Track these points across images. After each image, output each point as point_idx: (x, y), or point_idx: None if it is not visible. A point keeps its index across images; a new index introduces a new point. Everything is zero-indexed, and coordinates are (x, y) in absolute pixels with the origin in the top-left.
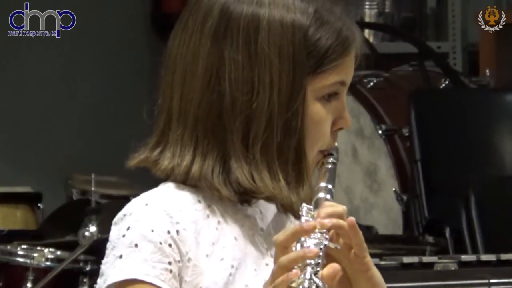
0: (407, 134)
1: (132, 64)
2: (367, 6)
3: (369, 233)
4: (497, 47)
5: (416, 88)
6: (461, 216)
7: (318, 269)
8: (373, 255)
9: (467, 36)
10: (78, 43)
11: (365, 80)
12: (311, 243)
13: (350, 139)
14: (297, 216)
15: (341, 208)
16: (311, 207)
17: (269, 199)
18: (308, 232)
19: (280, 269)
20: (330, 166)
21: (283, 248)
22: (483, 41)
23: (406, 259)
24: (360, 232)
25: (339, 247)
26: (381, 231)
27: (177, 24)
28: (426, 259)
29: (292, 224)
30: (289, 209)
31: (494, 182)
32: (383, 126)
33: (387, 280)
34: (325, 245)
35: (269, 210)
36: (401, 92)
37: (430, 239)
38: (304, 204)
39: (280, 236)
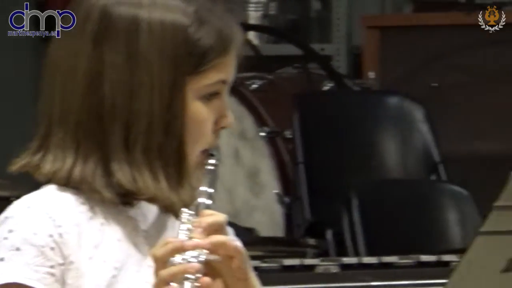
0: (289, 136)
1: (14, 65)
2: (251, 8)
3: (250, 235)
4: (381, 49)
5: (300, 90)
6: (343, 219)
7: (196, 284)
8: (254, 258)
9: (351, 39)
10: None
11: (248, 82)
12: (191, 255)
13: (233, 141)
14: (178, 217)
15: (222, 217)
16: (192, 213)
17: (150, 200)
18: (188, 250)
19: (161, 283)
20: (211, 167)
21: (163, 263)
22: (367, 43)
23: (287, 262)
24: (244, 252)
25: (220, 259)
26: (262, 233)
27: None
28: (307, 261)
29: (173, 224)
30: (170, 210)
31: (376, 185)
32: (266, 129)
33: (268, 283)
34: (205, 258)
35: (151, 211)
36: (284, 94)
37: (311, 241)
38: (184, 210)
39: (158, 252)
